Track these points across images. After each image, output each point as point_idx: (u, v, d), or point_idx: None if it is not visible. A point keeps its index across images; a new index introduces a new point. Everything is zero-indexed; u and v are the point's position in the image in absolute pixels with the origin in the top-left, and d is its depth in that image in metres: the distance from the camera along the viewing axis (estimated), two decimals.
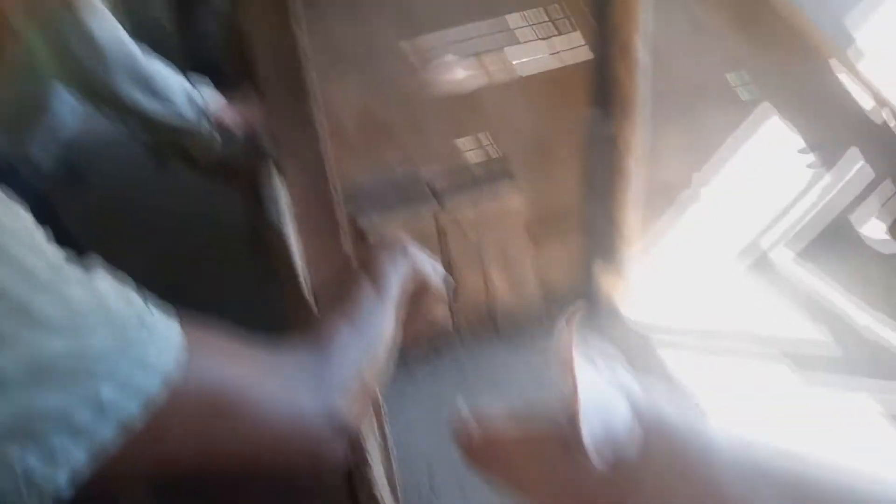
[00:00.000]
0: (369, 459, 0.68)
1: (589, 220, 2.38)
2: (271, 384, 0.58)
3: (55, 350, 0.45)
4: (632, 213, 2.28)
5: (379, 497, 0.65)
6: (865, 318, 2.34)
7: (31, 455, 0.44)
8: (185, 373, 0.50)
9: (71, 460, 0.45)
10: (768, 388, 2.13)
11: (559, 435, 1.12)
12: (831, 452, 1.07)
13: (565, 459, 1.10)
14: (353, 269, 0.80)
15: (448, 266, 2.29)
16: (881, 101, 2.42)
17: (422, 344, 2.37)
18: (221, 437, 0.54)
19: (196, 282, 2.34)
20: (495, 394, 2.21)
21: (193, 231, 2.75)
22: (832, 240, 2.64)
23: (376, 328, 0.73)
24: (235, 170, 1.54)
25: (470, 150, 2.22)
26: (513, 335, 2.44)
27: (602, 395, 1.06)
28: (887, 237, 2.67)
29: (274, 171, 1.32)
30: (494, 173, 2.24)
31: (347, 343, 0.68)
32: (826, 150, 2.50)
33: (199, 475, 0.53)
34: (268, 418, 0.56)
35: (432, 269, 0.90)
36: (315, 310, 1.03)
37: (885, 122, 2.47)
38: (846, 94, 2.43)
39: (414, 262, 0.86)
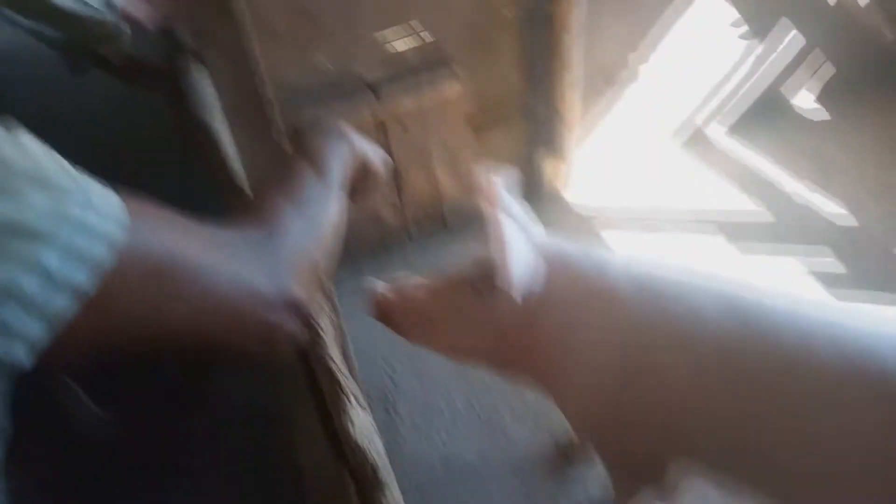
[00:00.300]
0: (323, 336, 0.69)
1: (529, 106, 2.36)
2: (218, 254, 0.58)
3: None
4: (571, 97, 2.27)
5: (335, 370, 0.67)
6: (796, 186, 2.43)
7: None
8: (130, 237, 0.49)
9: (26, 332, 0.45)
10: (705, 259, 2.23)
11: (470, 280, 1.19)
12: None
13: (477, 301, 1.18)
14: (293, 154, 0.78)
15: (396, 168, 2.26)
16: None
17: (370, 241, 2.38)
18: (169, 304, 0.53)
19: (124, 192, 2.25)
20: None
21: (117, 141, 2.63)
22: (764, 112, 2.70)
23: (322, 211, 0.72)
24: (152, 69, 1.45)
25: (403, 38, 2.14)
26: (460, 228, 2.45)
27: (514, 239, 1.12)
28: (817, 105, 2.75)
29: (196, 67, 1.25)
30: (431, 62, 2.17)
31: (293, 224, 0.67)
32: (758, 21, 2.51)
33: (151, 348, 0.53)
34: (215, 287, 0.56)
35: (373, 152, 0.89)
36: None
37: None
38: None
39: (354, 146, 0.85)
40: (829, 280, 2.09)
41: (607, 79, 2.42)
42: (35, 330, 0.45)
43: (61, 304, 0.46)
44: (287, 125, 1.82)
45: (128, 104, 2.48)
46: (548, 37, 2.18)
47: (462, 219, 2.46)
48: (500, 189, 1.08)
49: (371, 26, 2.08)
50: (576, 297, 1.19)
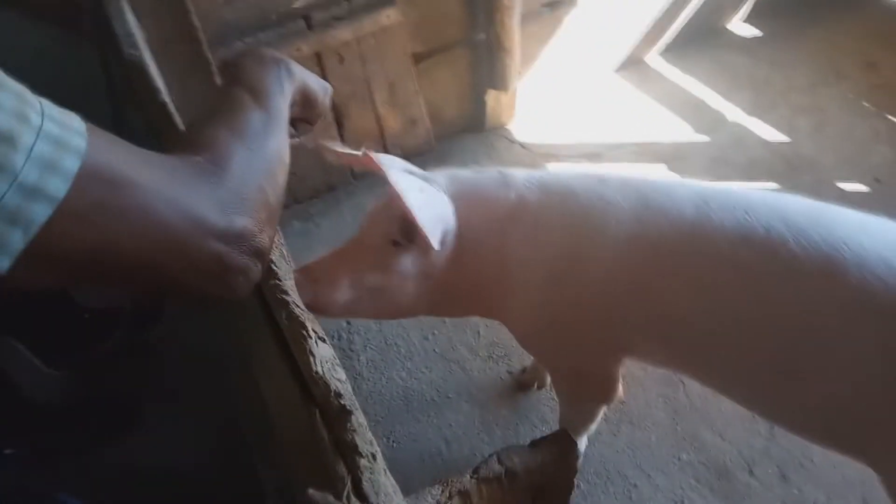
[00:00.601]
0: (277, 270, 0.67)
1: (470, 37, 2.32)
2: (162, 177, 0.56)
3: None
4: (511, 26, 2.23)
5: (292, 303, 0.66)
6: (731, 109, 2.49)
7: None
8: (91, 154, 0.48)
9: (9, 245, 0.44)
10: None
11: (388, 237, 1.19)
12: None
13: (401, 256, 1.19)
14: (229, 84, 0.73)
15: (335, 104, 2.20)
16: None
17: (314, 181, 2.33)
18: (115, 222, 0.51)
19: None
20: None
21: (45, 90, 2.47)
22: (698, 35, 2.72)
23: (266, 142, 0.69)
24: (71, 3, 1.35)
25: None
26: None
27: (423, 191, 1.13)
28: (748, 26, 2.79)
29: (124, 4, 1.17)
30: (373, 2, 2.10)
31: (237, 155, 0.64)
32: None
33: (100, 279, 0.52)
34: (157, 208, 0.54)
35: (315, 82, 0.85)
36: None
37: None
38: None
39: (293, 74, 0.81)
40: None
41: (547, 6, 2.39)
42: (15, 240, 0.44)
43: (42, 215, 0.45)
44: (217, 59, 1.75)
45: (54, 51, 2.32)
46: None
47: (406, 154, 2.43)
48: (377, 155, 1.07)
49: None
50: (491, 220, 1.21)
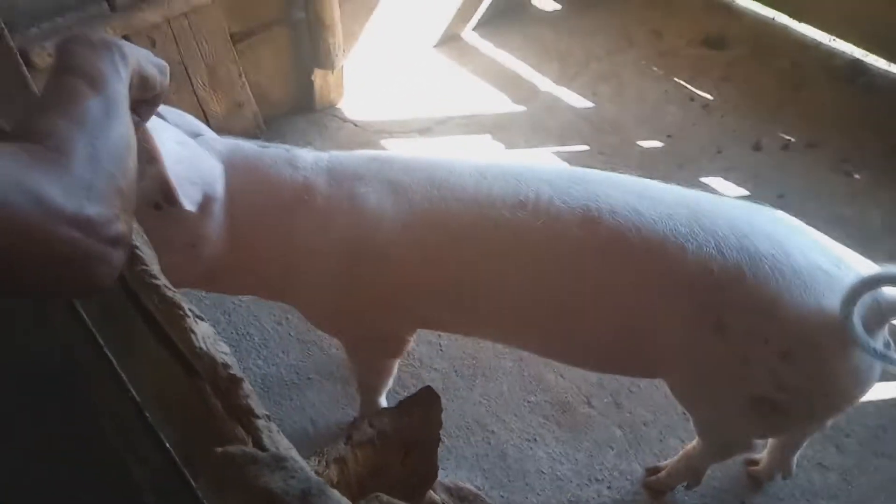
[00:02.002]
0: (141, 254, 0.66)
1: (291, 15, 2.29)
2: (13, 169, 0.53)
3: None
4: (332, 4, 2.24)
5: (162, 286, 0.65)
6: (542, 80, 2.69)
7: None
8: None
9: None
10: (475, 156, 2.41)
11: (148, 199, 1.17)
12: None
13: (161, 218, 1.17)
14: (60, 72, 0.69)
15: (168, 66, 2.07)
16: None
17: None
18: None
19: None
20: None
21: None
22: (508, 11, 2.90)
23: (109, 128, 0.66)
24: None
25: None
26: None
27: (183, 146, 1.13)
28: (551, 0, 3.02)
29: None
30: None
31: (78, 143, 0.61)
32: None
33: None
34: (11, 201, 0.52)
35: (151, 62, 0.82)
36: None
37: None
38: None
39: (126, 55, 0.78)
40: (576, 159, 2.38)
41: None
42: None
43: None
44: (22, 49, 1.59)
45: None
46: None
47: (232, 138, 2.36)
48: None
49: None
50: (275, 203, 1.22)
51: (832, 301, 1.06)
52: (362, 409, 1.66)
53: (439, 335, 1.91)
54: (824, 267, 1.11)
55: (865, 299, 1.04)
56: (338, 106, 2.53)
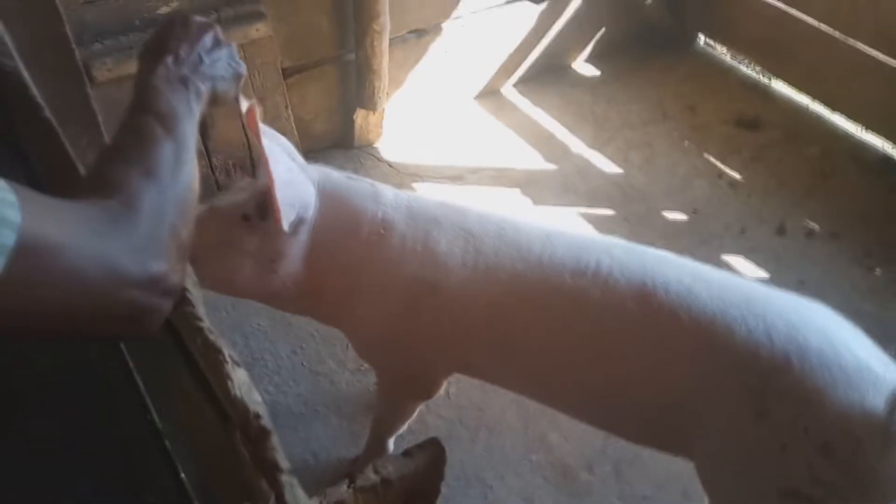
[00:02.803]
0: (190, 299, 0.70)
1: (340, 56, 2.38)
2: (82, 234, 0.57)
3: None
4: (381, 49, 2.32)
5: (206, 330, 0.69)
6: (575, 141, 2.75)
7: None
8: (25, 226, 0.49)
9: None
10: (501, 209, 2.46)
11: (239, 209, 1.23)
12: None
13: (246, 231, 1.22)
14: (143, 117, 0.74)
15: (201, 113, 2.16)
16: None
17: None
18: (48, 288, 0.54)
19: None
20: None
21: None
22: (548, 71, 2.98)
23: (181, 178, 0.71)
24: None
25: None
26: None
27: (290, 172, 1.19)
28: (590, 66, 3.09)
29: None
30: (242, 14, 2.10)
31: (149, 195, 0.65)
32: None
33: (23, 332, 0.53)
34: (81, 269, 0.56)
35: (226, 82, 0.88)
36: (77, 163, 0.95)
37: None
38: None
39: (204, 96, 0.82)
40: (601, 222, 2.42)
41: (414, 33, 2.51)
42: None
43: None
44: (84, 62, 1.67)
45: None
46: None
47: None
48: (260, 119, 1.09)
49: None
50: (355, 231, 1.28)
51: (877, 401, 1.07)
52: (369, 445, 1.68)
53: (449, 381, 1.94)
54: (872, 366, 1.12)
55: None
56: (375, 145, 2.60)
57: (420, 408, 1.87)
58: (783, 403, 1.13)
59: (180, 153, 0.72)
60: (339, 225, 1.28)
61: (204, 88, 0.82)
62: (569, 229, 1.37)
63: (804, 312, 1.19)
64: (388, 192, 1.36)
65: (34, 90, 0.96)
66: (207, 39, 0.86)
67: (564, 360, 1.31)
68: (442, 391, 1.57)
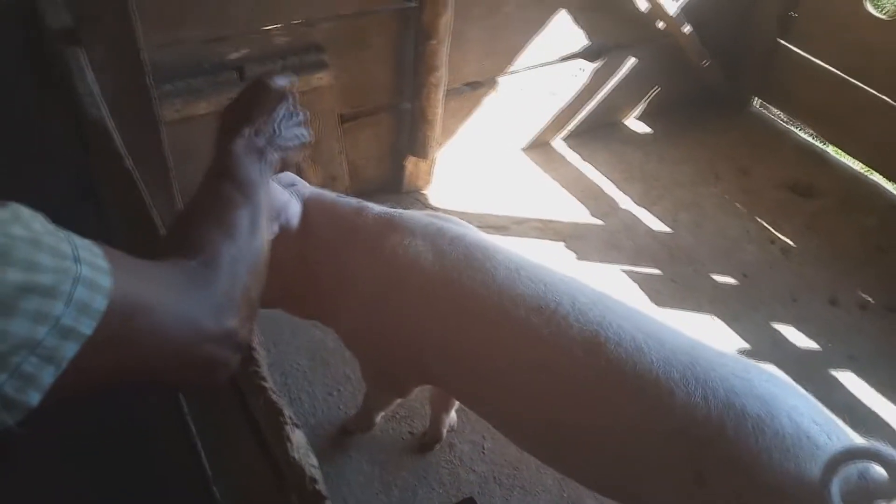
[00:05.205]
0: (257, 358, 0.72)
1: (395, 105, 2.43)
2: (165, 294, 0.61)
3: (13, 282, 0.47)
4: (436, 100, 2.37)
5: (269, 390, 0.71)
6: (623, 198, 2.74)
7: (9, 382, 0.47)
8: (116, 291, 0.52)
9: (41, 378, 0.49)
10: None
11: None
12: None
13: None
14: (223, 183, 0.79)
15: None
16: (659, 14, 2.72)
17: None
18: (136, 347, 0.57)
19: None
20: None
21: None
22: (600, 127, 3.00)
23: (256, 242, 0.75)
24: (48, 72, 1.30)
25: (280, 33, 2.11)
26: None
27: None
28: (642, 123, 3.10)
29: (78, 54, 1.17)
30: (300, 48, 2.17)
31: (226, 254, 0.69)
32: (605, 51, 2.78)
33: (119, 385, 0.56)
34: (165, 328, 0.60)
35: (294, 150, 0.93)
36: (155, 215, 0.99)
37: (658, 30, 2.80)
38: (630, 2, 2.69)
39: (275, 165, 0.87)
40: (647, 281, 2.40)
41: (470, 86, 2.56)
42: (48, 375, 0.49)
43: (69, 351, 0.50)
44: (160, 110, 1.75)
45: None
46: (417, 39, 2.26)
47: None
48: None
49: (247, 14, 2.04)
50: (338, 232, 1.45)
51: (813, 469, 1.05)
52: (358, 416, 1.85)
53: (484, 436, 1.92)
54: (811, 434, 1.10)
55: (851, 474, 1.03)
56: (424, 192, 2.64)
57: (453, 461, 1.86)
58: (718, 471, 1.13)
59: (255, 219, 0.77)
60: (326, 229, 1.45)
61: (276, 158, 0.87)
62: (544, 266, 1.40)
63: (748, 378, 1.18)
64: (373, 207, 1.50)
65: (118, 140, 1.01)
66: (283, 109, 0.90)
67: (513, 393, 1.34)
68: (464, 441, 1.62)
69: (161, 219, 0.93)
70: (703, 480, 1.14)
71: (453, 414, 1.86)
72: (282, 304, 1.56)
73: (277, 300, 1.52)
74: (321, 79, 2.19)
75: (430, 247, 1.40)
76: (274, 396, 0.71)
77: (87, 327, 0.51)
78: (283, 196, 1.38)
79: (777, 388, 1.19)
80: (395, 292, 1.42)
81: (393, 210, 1.52)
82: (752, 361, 1.27)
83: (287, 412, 0.70)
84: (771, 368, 1.28)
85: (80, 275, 0.51)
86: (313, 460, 0.68)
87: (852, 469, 1.04)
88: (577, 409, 1.27)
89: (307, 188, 1.49)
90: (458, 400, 1.65)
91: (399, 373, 1.61)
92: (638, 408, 1.20)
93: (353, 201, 1.51)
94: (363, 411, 1.83)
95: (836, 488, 1.01)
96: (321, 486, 0.65)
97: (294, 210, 1.40)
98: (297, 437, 0.69)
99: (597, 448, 1.28)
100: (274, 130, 0.88)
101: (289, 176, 1.47)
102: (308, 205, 1.44)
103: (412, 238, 1.42)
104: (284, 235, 1.34)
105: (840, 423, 1.17)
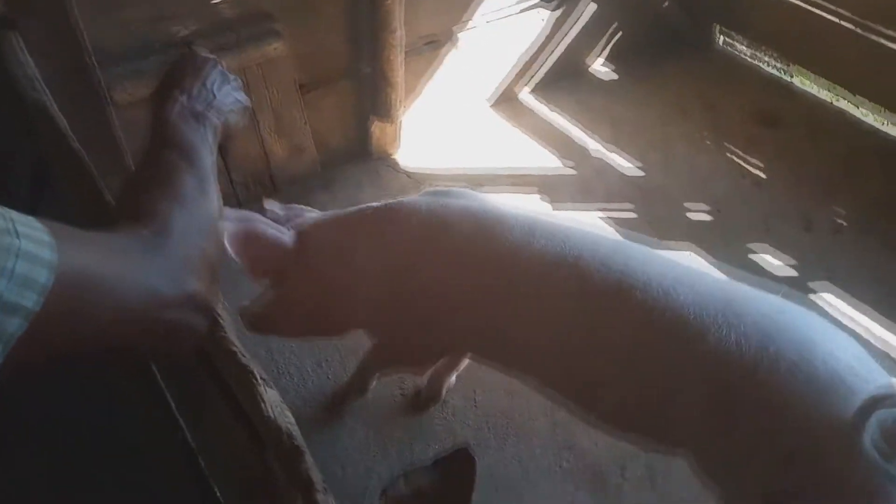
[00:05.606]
0: (222, 322, 0.72)
1: (355, 68, 2.39)
2: (120, 264, 0.60)
3: None
4: (395, 60, 2.33)
5: (238, 352, 0.71)
6: (593, 143, 2.74)
7: None
8: (61, 265, 0.51)
9: None
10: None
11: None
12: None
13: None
14: (166, 151, 0.78)
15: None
16: None
17: None
18: (91, 318, 0.57)
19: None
20: None
21: None
22: (565, 75, 2.97)
23: (202, 203, 0.74)
24: None
25: (228, 5, 2.06)
26: (289, 190, 2.45)
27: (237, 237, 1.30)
28: (607, 68, 3.08)
29: (10, 37, 1.13)
30: (250, 19, 2.13)
31: (178, 221, 0.69)
32: None
33: (77, 355, 0.56)
34: (123, 297, 0.59)
35: (234, 115, 0.92)
36: (105, 192, 0.97)
37: None
38: None
39: (217, 130, 0.86)
40: (622, 224, 2.40)
41: (429, 44, 2.52)
42: None
43: (14, 327, 0.49)
44: (106, 86, 1.71)
45: None
46: (375, 8, 2.21)
47: (293, 183, 2.46)
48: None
49: None
50: (345, 236, 1.47)
51: (846, 411, 1.04)
52: (352, 380, 1.84)
53: (475, 390, 1.93)
54: (846, 377, 1.09)
55: (886, 418, 1.01)
56: (393, 156, 2.61)
57: (446, 416, 1.88)
58: (749, 412, 1.13)
59: (203, 183, 0.76)
60: (335, 243, 1.46)
61: (217, 122, 0.86)
62: (557, 220, 1.40)
63: (783, 321, 1.17)
64: (372, 204, 1.50)
65: (62, 121, 0.98)
66: (215, 75, 0.90)
67: (542, 348, 1.35)
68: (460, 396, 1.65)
69: (114, 198, 0.92)
70: (734, 423, 1.14)
71: (454, 376, 1.88)
72: (318, 332, 1.65)
73: (313, 331, 1.62)
74: (276, 48, 2.14)
75: (439, 221, 1.39)
76: (243, 359, 0.71)
77: (31, 301, 0.50)
78: (276, 236, 1.39)
79: (813, 330, 1.17)
80: (416, 273, 1.40)
81: (392, 201, 1.52)
82: (788, 302, 1.25)
83: (258, 373, 0.70)
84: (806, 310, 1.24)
85: (20, 249, 0.50)
86: (289, 417, 0.69)
87: (887, 414, 1.01)
88: (609, 359, 1.27)
89: (305, 217, 1.52)
90: (489, 363, 1.62)
91: (433, 350, 1.62)
92: (669, 352, 1.20)
93: (353, 208, 1.52)
94: (359, 374, 1.82)
95: (868, 432, 1.00)
96: (299, 441, 0.65)
97: (282, 241, 1.40)
98: (271, 396, 0.69)
99: (629, 394, 1.28)
100: (209, 94, 0.87)
101: (294, 209, 1.54)
102: (308, 231, 1.45)
103: (419, 217, 1.41)
104: (297, 273, 1.41)
105: (877, 365, 1.15)
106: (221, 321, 0.72)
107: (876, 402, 1.01)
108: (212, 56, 0.95)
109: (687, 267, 1.31)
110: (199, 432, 0.91)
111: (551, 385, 1.45)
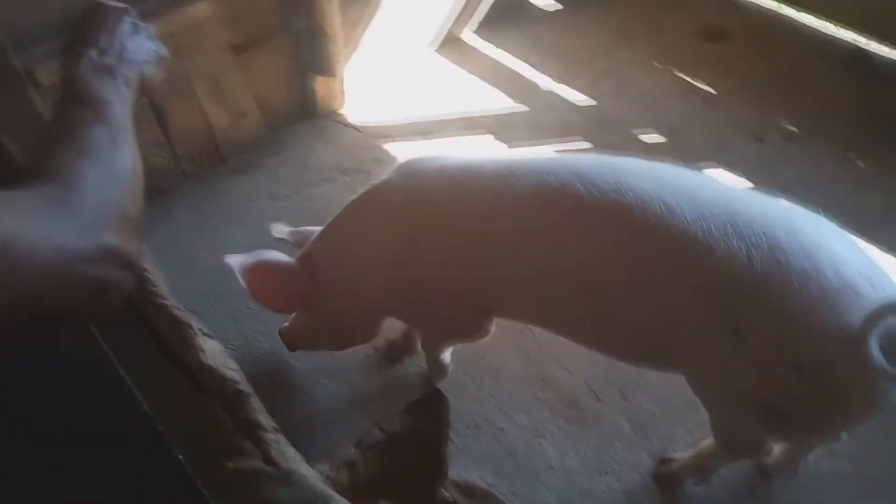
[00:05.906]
0: (149, 276, 0.69)
1: (290, 23, 2.31)
2: (27, 223, 0.57)
3: None
4: (331, 11, 2.26)
5: (170, 306, 0.68)
6: (542, 78, 2.70)
7: None
8: None
9: None
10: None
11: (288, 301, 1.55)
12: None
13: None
14: (73, 107, 0.73)
15: (156, 103, 2.10)
16: None
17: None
18: (9, 284, 0.54)
19: None
20: (236, 222, 2.20)
21: None
22: (507, 11, 2.91)
23: (114, 155, 0.70)
24: None
25: None
26: (238, 159, 2.39)
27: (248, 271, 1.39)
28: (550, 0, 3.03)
29: None
30: None
31: (88, 175, 0.65)
32: None
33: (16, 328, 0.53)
34: (32, 257, 0.57)
35: (149, 66, 0.88)
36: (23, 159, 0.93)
37: None
38: None
39: (133, 80, 0.82)
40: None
41: None
42: None
43: None
44: (27, 68, 1.63)
45: None
46: None
47: (239, 149, 2.39)
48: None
49: None
50: (348, 235, 1.48)
51: (855, 321, 1.02)
52: (428, 364, 1.81)
53: None
54: (856, 286, 1.07)
55: (894, 326, 1.00)
56: (339, 112, 2.55)
57: (421, 364, 1.88)
58: (758, 325, 1.11)
59: (116, 135, 0.73)
60: (341, 244, 1.49)
61: (132, 74, 0.82)
62: (534, 158, 1.37)
63: (794, 230, 1.13)
64: (355, 196, 1.50)
65: None
66: (126, 26, 0.85)
67: (543, 279, 1.33)
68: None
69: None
70: (742, 333, 1.12)
71: None
72: (356, 339, 1.70)
73: (351, 339, 1.69)
74: (202, 9, 2.05)
75: (421, 189, 1.39)
76: (177, 312, 0.68)
77: None
78: (285, 266, 1.46)
79: (824, 237, 1.14)
80: (416, 247, 1.40)
81: (367, 187, 1.51)
82: (798, 208, 1.21)
83: (195, 324, 0.68)
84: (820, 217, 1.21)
85: None
86: (231, 364, 0.67)
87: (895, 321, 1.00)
88: (615, 284, 1.24)
89: (308, 244, 1.53)
90: (519, 319, 1.63)
91: (463, 318, 1.60)
92: (675, 269, 1.16)
93: (338, 213, 1.52)
94: (427, 360, 1.80)
95: (874, 339, 0.99)
96: (243, 386, 0.63)
97: (289, 269, 1.47)
98: (211, 346, 0.67)
99: (636, 316, 1.25)
100: (122, 47, 0.82)
101: (302, 233, 1.58)
102: (309, 252, 1.49)
103: (400, 192, 1.41)
104: (315, 292, 1.48)
105: (884, 271, 1.13)
106: (150, 276, 0.69)
107: (885, 311, 0.99)
108: (121, 5, 0.89)
109: (691, 178, 1.25)
110: (148, 395, 0.89)
111: (560, 324, 1.45)
